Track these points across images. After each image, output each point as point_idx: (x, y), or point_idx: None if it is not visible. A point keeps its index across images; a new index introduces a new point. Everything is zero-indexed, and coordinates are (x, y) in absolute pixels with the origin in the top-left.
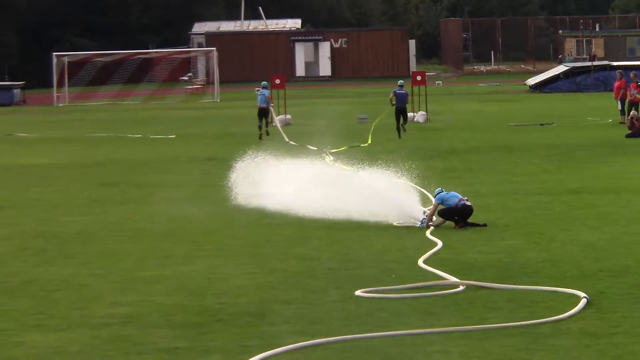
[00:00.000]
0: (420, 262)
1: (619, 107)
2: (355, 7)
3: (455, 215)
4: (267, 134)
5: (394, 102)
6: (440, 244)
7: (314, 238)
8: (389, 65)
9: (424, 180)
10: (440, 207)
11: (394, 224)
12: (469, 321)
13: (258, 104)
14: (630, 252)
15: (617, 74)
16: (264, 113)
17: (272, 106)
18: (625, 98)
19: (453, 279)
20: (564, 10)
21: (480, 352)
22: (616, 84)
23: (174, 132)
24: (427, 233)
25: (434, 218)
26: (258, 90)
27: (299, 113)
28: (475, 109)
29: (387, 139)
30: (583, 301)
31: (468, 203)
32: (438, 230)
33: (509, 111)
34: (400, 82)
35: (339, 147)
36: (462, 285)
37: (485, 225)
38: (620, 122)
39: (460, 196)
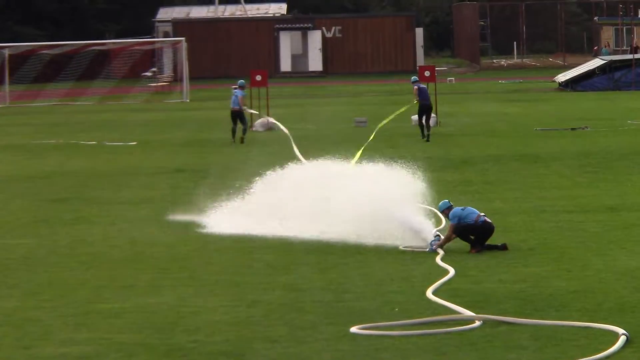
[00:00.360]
0: (428, 293)
1: None
2: None
3: (471, 235)
4: (242, 141)
5: (417, 99)
6: (452, 271)
7: (303, 264)
8: (392, 58)
9: (433, 196)
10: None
11: (400, 247)
12: None
13: (231, 106)
14: None
15: None
16: (237, 117)
17: (251, 111)
18: None
19: (468, 312)
20: None
21: None
22: None
23: (135, 139)
24: (437, 259)
25: (441, 236)
26: (235, 89)
27: (284, 115)
28: (495, 110)
29: (388, 145)
30: (622, 339)
31: (488, 220)
32: (450, 255)
33: (535, 113)
34: (414, 77)
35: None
36: (479, 321)
37: (505, 247)
38: None
39: (478, 212)
